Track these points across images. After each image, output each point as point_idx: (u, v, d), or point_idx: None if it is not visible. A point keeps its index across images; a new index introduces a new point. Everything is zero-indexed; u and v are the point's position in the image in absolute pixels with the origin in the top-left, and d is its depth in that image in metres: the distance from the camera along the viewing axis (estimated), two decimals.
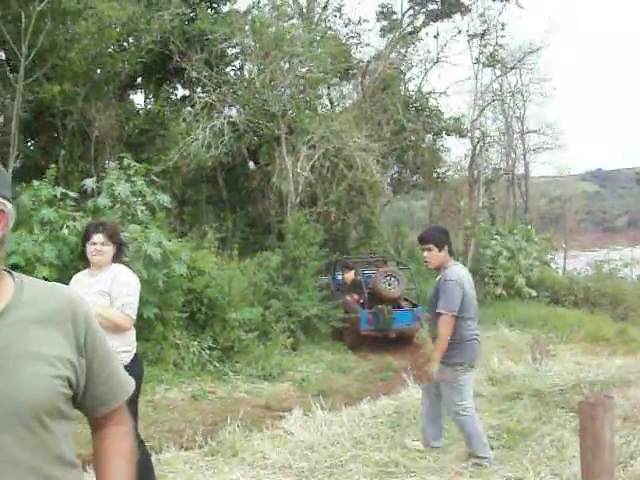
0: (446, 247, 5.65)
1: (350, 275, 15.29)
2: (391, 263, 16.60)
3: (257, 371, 12.02)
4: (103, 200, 10.14)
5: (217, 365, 11.62)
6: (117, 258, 4.73)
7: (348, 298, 15.02)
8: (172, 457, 5.53)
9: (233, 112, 18.16)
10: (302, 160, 16.10)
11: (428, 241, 5.64)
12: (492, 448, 5.61)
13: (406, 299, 16.05)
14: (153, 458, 5.46)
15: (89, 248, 4.63)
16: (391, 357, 13.11)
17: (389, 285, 14.71)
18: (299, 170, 15.99)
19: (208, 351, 11.66)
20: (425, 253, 5.64)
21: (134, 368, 4.69)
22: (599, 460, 3.86)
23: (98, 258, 4.63)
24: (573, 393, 6.81)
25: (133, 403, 4.72)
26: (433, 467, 5.15)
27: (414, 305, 15.56)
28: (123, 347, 4.59)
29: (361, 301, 14.75)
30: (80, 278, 4.72)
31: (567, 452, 5.26)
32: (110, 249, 4.66)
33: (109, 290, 4.59)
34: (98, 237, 4.63)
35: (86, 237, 4.69)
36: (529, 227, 28.09)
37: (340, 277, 15.97)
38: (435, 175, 26.08)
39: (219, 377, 11.26)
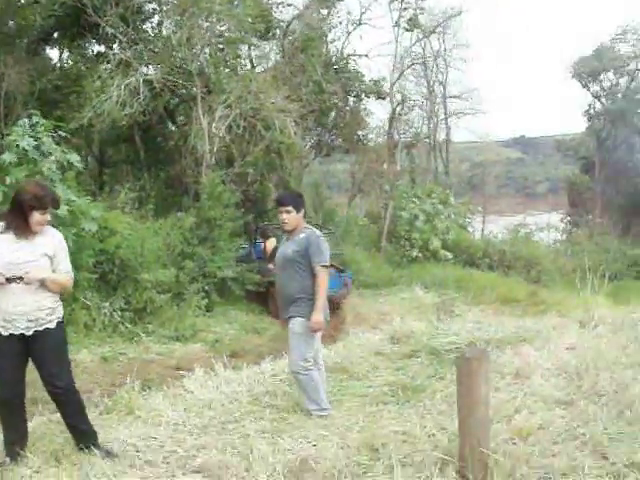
0: (303, 210, 5.90)
1: (271, 242, 15.03)
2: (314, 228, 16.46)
3: (170, 332, 11.99)
4: (8, 156, 9.90)
5: (129, 326, 11.55)
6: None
7: (271, 266, 14.92)
8: None
9: (150, 70, 17.74)
10: (218, 120, 15.90)
11: (288, 203, 5.84)
12: (386, 403, 5.80)
13: (332, 265, 15.99)
14: (46, 418, 5.46)
15: (39, 218, 4.52)
16: None
17: None
18: (214, 130, 15.81)
19: (120, 312, 11.57)
20: (284, 215, 5.82)
21: (62, 333, 4.77)
22: (475, 413, 4.01)
23: (45, 227, 4.63)
24: None
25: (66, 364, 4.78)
26: (323, 423, 5.25)
27: (340, 271, 15.52)
28: (58, 304, 4.72)
29: None
30: (7, 238, 4.53)
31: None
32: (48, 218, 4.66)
33: (53, 254, 4.61)
34: (49, 210, 4.60)
35: (41, 206, 4.53)
36: (447, 191, 28.52)
37: (262, 245, 15.80)
38: (357, 138, 26.09)
39: (131, 339, 11.19)
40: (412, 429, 4.91)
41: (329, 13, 24.37)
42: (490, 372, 6.26)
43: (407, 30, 27.58)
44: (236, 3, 17.49)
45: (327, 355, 7.39)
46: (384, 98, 25.68)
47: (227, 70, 18.21)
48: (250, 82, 16.93)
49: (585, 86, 51.89)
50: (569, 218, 52.37)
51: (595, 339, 7.56)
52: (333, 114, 24.10)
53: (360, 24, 25.65)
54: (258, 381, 6.64)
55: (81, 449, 4.66)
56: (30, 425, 4.94)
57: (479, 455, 4.00)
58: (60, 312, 4.72)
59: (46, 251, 4.56)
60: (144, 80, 16.28)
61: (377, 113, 39.11)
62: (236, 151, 16.79)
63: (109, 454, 4.63)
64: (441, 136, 39.14)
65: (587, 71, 50.00)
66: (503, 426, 4.96)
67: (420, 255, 23.69)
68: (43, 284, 4.54)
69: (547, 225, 45.06)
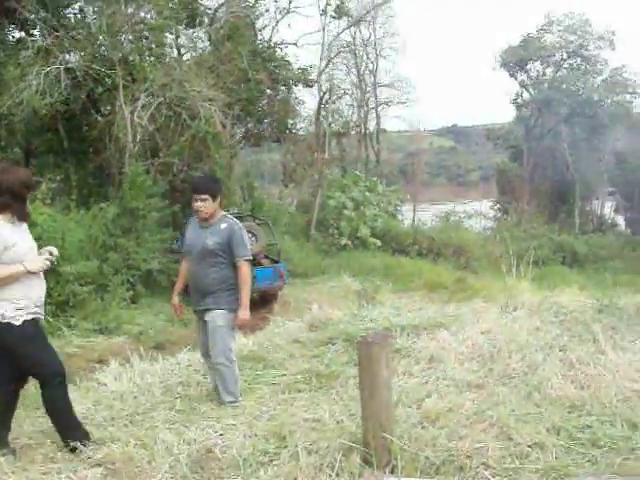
0: (219, 198, 5.76)
1: None
2: (247, 218, 16.16)
3: (93, 325, 11.83)
4: None
5: (50, 320, 11.28)
6: None
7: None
8: None
9: (72, 58, 17.32)
10: (141, 109, 15.65)
11: (205, 191, 5.66)
12: (299, 391, 5.80)
13: (266, 256, 15.81)
14: None
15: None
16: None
17: None
18: (137, 119, 15.55)
19: None
20: (199, 203, 5.63)
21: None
22: (376, 397, 4.02)
23: None
24: None
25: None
26: (233, 412, 5.21)
27: (275, 262, 15.40)
28: None
29: None
30: (6, 225, 4.45)
31: None
32: None
33: None
34: None
35: (31, 189, 4.62)
36: (375, 179, 28.70)
37: None
38: (287, 127, 26.01)
39: (52, 332, 10.92)
40: (322, 416, 4.91)
41: (256, 1, 24.22)
42: (403, 357, 6.41)
43: (334, 18, 27.62)
44: None
45: (244, 344, 7.37)
46: (311, 86, 25.68)
47: (152, 58, 17.91)
48: (175, 70, 16.71)
49: (513, 76, 52.76)
50: (499, 205, 53.29)
51: (510, 323, 7.68)
52: (263, 103, 23.99)
53: (288, 12, 25.65)
54: (173, 372, 6.57)
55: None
56: None
57: (382, 440, 4.01)
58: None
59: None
60: (65, 68, 15.89)
61: (308, 102, 38.98)
62: (161, 141, 16.54)
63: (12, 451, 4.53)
64: (372, 125, 39.35)
65: (514, 61, 50.82)
66: (413, 410, 5.01)
67: (349, 243, 23.85)
68: None
69: (476, 212, 45.81)
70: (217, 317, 5.60)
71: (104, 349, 10.56)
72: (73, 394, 5.85)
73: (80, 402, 5.57)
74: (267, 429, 4.69)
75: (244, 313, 5.54)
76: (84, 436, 4.59)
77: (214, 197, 5.66)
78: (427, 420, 4.78)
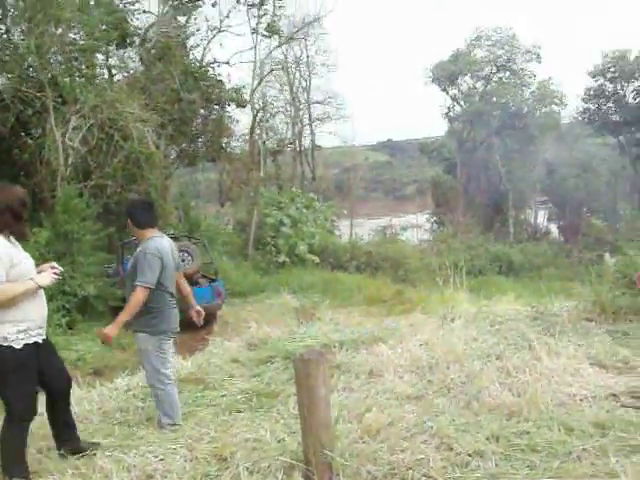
0: (144, 220, 5.69)
1: None
2: (183, 238, 16.05)
3: None
4: None
5: None
6: None
7: None
8: None
9: None
10: (72, 131, 15.42)
11: (126, 214, 5.74)
12: (240, 411, 5.77)
13: (204, 275, 15.72)
14: None
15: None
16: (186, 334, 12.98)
17: (182, 261, 14.41)
18: (68, 141, 15.32)
19: None
20: (129, 227, 5.74)
21: None
22: (315, 414, 4.01)
23: None
24: None
25: None
26: (173, 436, 5.14)
27: (213, 280, 15.31)
28: None
29: None
30: (10, 244, 4.44)
31: None
32: None
33: None
34: None
35: (26, 206, 4.55)
36: (312, 196, 28.84)
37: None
38: (221, 146, 25.94)
39: None
40: (263, 435, 4.88)
41: (187, 20, 24.13)
42: (343, 372, 6.43)
43: (265, 36, 27.70)
44: (88, 11, 17.02)
45: (183, 366, 7.29)
46: (244, 106, 25.64)
47: (82, 79, 17.68)
48: (105, 91, 16.52)
49: (444, 90, 53.66)
50: (435, 218, 53.98)
51: (448, 334, 7.77)
52: (196, 123, 23.89)
53: (220, 31, 25.58)
54: (111, 398, 6.46)
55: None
56: None
57: (323, 457, 4.01)
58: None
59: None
60: None
61: (243, 121, 39.06)
62: (94, 163, 16.30)
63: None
64: (307, 142, 39.57)
65: (445, 75, 51.72)
66: (354, 425, 5.01)
67: (287, 260, 23.86)
68: None
69: (411, 225, 46.34)
70: (140, 340, 5.58)
71: None
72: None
73: None
74: (208, 451, 4.64)
75: (108, 328, 5.43)
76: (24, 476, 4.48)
77: (133, 219, 5.66)
78: (368, 434, 4.79)
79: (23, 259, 4.45)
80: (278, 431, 4.95)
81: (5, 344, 4.33)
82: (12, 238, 4.48)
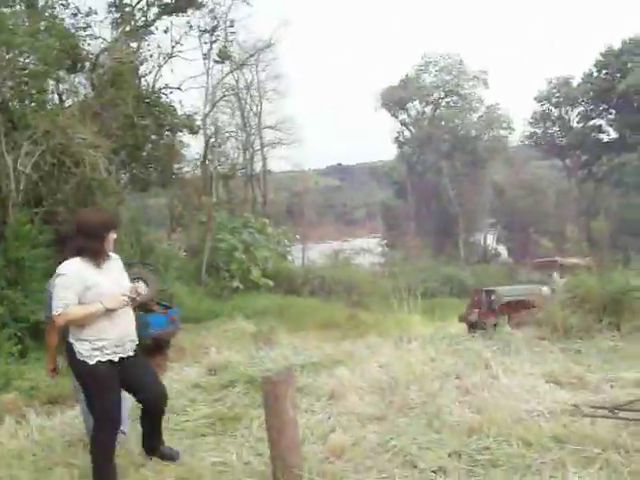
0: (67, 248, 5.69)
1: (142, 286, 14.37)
2: (136, 264, 15.91)
3: None
4: None
5: None
6: None
7: None
8: None
9: None
10: (24, 157, 15.26)
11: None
12: (204, 435, 5.79)
13: (158, 302, 15.61)
14: None
15: (111, 239, 4.73)
16: None
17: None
18: (20, 167, 15.15)
19: None
20: None
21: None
22: (284, 435, 4.09)
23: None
24: None
25: None
26: (138, 461, 5.13)
27: (167, 307, 15.20)
28: None
29: None
30: (85, 266, 4.61)
31: None
32: None
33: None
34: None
35: (111, 227, 4.75)
36: (264, 220, 28.91)
37: None
38: (172, 171, 25.89)
39: None
40: (229, 459, 4.92)
41: (139, 46, 24.16)
42: (304, 395, 6.49)
43: (217, 62, 27.86)
44: (41, 36, 16.94)
45: None
46: (196, 132, 25.69)
47: (33, 104, 17.55)
48: (57, 117, 16.41)
49: (394, 115, 54.38)
50: (386, 241, 54.43)
51: (406, 355, 7.88)
52: (147, 148, 23.81)
53: (172, 56, 25.67)
54: (73, 425, 6.40)
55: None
56: None
57: (291, 477, 4.07)
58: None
59: (121, 272, 4.86)
60: None
61: (193, 145, 39.05)
62: (45, 189, 16.12)
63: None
64: (258, 166, 39.68)
65: (395, 100, 52.47)
66: (319, 446, 5.09)
67: (241, 286, 23.87)
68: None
69: (362, 249, 46.66)
70: None
71: None
72: None
73: None
74: (175, 475, 4.66)
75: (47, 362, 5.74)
76: None
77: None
78: (333, 455, 4.89)
79: (100, 281, 4.55)
80: (244, 454, 5.00)
81: (81, 358, 4.54)
82: (94, 259, 4.64)
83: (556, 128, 53.66)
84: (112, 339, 4.59)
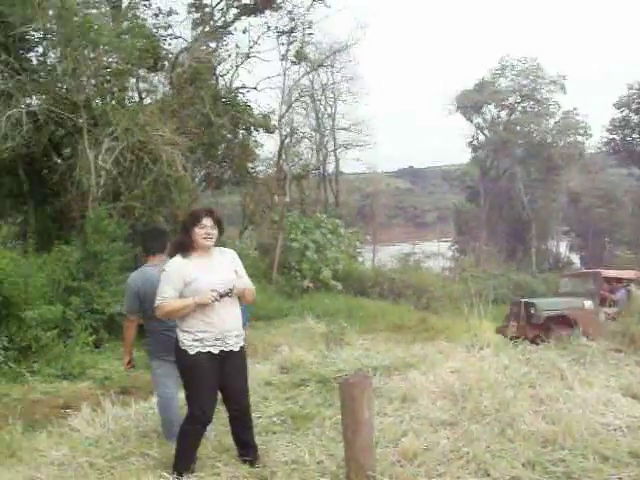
0: (147, 247, 6.02)
1: None
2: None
3: (56, 371, 11.61)
4: None
5: (12, 366, 11.13)
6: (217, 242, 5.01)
7: None
8: None
9: (34, 101, 17.25)
10: (104, 153, 15.65)
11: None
12: (275, 433, 5.83)
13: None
14: None
15: (199, 232, 4.79)
16: None
17: None
18: (101, 163, 15.55)
19: (3, 352, 11.16)
20: None
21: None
22: (359, 437, 4.09)
23: (212, 241, 4.86)
24: None
25: None
26: (212, 455, 5.20)
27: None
28: None
29: None
30: (185, 263, 4.82)
31: None
32: (216, 233, 4.91)
33: (236, 269, 5.00)
34: (208, 221, 4.84)
35: (195, 220, 4.83)
36: (337, 221, 28.94)
37: None
38: (246, 170, 26.18)
39: (14, 378, 10.76)
40: (301, 457, 4.95)
41: (217, 46, 24.52)
42: (377, 397, 6.47)
43: (294, 63, 28.04)
44: (124, 36, 17.34)
45: None
46: (272, 132, 25.94)
47: (114, 102, 17.97)
48: (137, 115, 16.77)
49: (468, 119, 53.83)
50: (457, 246, 53.93)
51: (479, 362, 7.79)
52: (222, 147, 24.13)
53: (249, 57, 25.95)
54: (147, 417, 6.53)
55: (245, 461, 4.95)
56: None
57: (365, 479, 4.07)
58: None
59: (233, 267, 4.96)
60: (27, 111, 15.84)
61: (267, 145, 39.47)
62: (123, 184, 16.51)
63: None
64: (331, 167, 39.81)
65: (470, 104, 51.91)
66: (390, 449, 5.06)
67: (311, 285, 23.96)
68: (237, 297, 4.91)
69: (432, 253, 46.32)
70: (149, 361, 5.95)
71: (69, 395, 10.36)
72: (46, 440, 5.83)
73: (55, 449, 5.52)
74: (248, 471, 4.72)
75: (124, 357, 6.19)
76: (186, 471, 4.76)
77: (141, 246, 6.16)
78: (405, 459, 4.85)
79: (199, 277, 4.73)
80: (317, 453, 5.01)
81: (183, 347, 4.75)
82: (184, 254, 4.85)
83: (635, 135, 52.29)
84: (213, 332, 4.74)
